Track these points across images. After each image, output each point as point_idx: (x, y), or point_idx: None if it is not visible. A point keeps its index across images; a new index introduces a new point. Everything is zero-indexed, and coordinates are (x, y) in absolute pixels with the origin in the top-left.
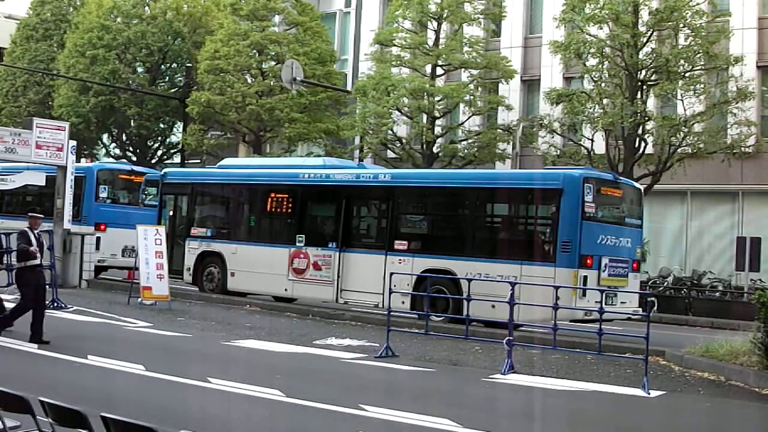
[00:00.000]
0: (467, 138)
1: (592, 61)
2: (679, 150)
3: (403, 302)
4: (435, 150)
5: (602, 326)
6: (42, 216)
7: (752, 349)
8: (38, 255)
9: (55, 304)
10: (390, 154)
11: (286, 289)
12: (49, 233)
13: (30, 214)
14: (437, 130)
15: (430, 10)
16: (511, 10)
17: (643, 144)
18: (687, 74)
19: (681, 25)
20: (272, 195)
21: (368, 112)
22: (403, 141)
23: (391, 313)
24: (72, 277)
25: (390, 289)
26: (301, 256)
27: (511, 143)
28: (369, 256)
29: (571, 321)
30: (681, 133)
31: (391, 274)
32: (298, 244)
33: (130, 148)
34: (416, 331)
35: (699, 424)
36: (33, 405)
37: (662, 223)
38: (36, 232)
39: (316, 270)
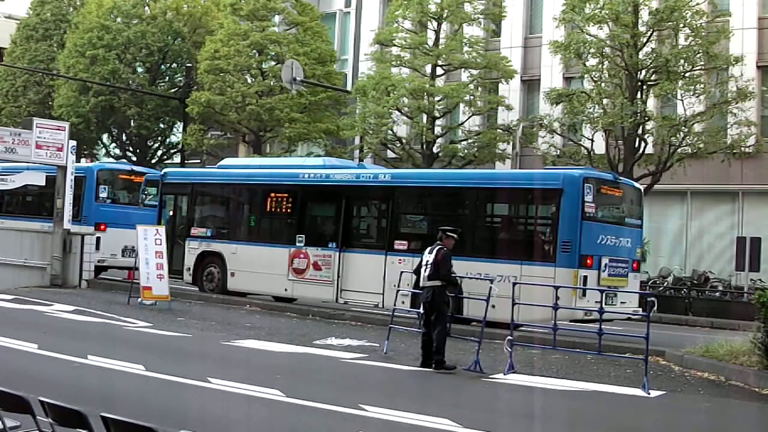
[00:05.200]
0: (467, 138)
1: (592, 61)
2: (679, 150)
3: (403, 302)
4: (435, 150)
5: (602, 326)
6: (456, 237)
7: (752, 349)
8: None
9: None
10: (390, 154)
11: (286, 289)
12: None
13: (448, 233)
14: (437, 130)
15: (430, 10)
16: (511, 10)
17: (643, 144)
18: (687, 74)
19: (681, 25)
20: (272, 195)
21: (368, 112)
22: (403, 141)
23: (391, 313)
24: (72, 277)
25: (398, 289)
26: (301, 256)
27: (511, 143)
28: (369, 256)
29: (571, 321)
30: (681, 133)
31: (401, 273)
32: (298, 244)
33: (130, 148)
34: (416, 330)
35: (699, 424)
36: (33, 405)
37: (662, 223)
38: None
39: (316, 270)
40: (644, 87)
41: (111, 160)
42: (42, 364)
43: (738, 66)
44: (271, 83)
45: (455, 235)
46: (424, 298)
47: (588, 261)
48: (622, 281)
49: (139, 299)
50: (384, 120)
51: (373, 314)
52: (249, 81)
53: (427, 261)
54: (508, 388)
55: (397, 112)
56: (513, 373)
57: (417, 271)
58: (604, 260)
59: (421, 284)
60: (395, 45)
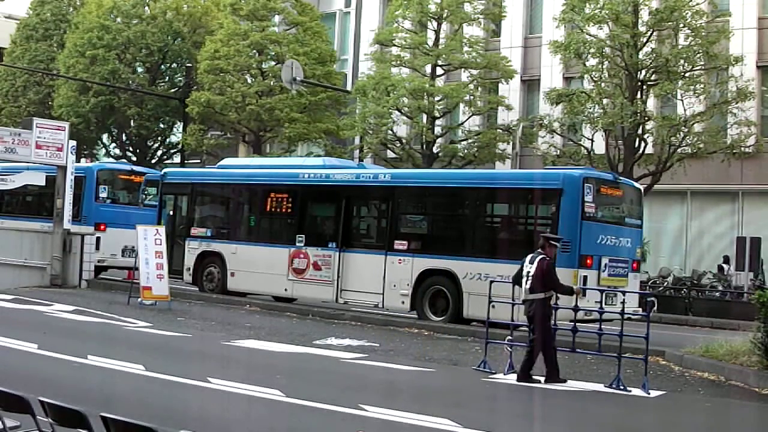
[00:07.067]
0: (467, 138)
1: (592, 61)
2: (679, 150)
3: (403, 302)
4: (435, 150)
5: (602, 326)
6: (559, 245)
7: (752, 349)
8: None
9: None
10: (390, 154)
11: (286, 289)
12: None
13: (551, 242)
14: (437, 130)
15: (430, 10)
16: (511, 10)
17: (643, 144)
18: (687, 74)
19: (681, 25)
20: (272, 195)
21: (368, 112)
22: (403, 141)
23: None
24: (72, 277)
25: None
26: (301, 256)
27: (511, 143)
28: (369, 256)
29: (570, 321)
30: (681, 133)
31: (491, 282)
32: (298, 244)
33: (130, 148)
34: (416, 331)
35: (699, 424)
36: (33, 405)
37: (662, 223)
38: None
39: (316, 270)
40: (644, 87)
41: (111, 160)
42: (42, 364)
43: (738, 66)
44: (271, 83)
45: (558, 243)
46: (526, 311)
47: (588, 261)
48: (622, 281)
49: (139, 299)
50: (384, 120)
51: (373, 314)
52: (249, 81)
53: (528, 272)
54: (508, 388)
55: (397, 112)
56: (513, 373)
57: (517, 280)
58: (604, 260)
59: (522, 297)
60: (395, 45)
